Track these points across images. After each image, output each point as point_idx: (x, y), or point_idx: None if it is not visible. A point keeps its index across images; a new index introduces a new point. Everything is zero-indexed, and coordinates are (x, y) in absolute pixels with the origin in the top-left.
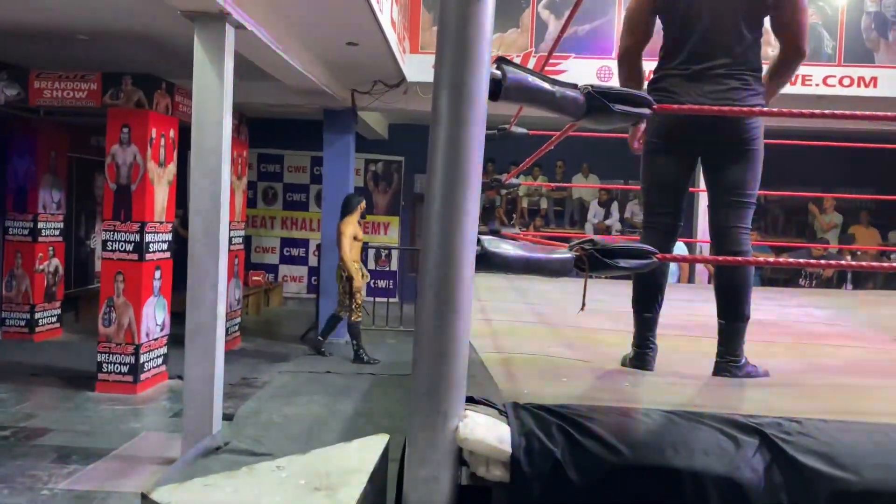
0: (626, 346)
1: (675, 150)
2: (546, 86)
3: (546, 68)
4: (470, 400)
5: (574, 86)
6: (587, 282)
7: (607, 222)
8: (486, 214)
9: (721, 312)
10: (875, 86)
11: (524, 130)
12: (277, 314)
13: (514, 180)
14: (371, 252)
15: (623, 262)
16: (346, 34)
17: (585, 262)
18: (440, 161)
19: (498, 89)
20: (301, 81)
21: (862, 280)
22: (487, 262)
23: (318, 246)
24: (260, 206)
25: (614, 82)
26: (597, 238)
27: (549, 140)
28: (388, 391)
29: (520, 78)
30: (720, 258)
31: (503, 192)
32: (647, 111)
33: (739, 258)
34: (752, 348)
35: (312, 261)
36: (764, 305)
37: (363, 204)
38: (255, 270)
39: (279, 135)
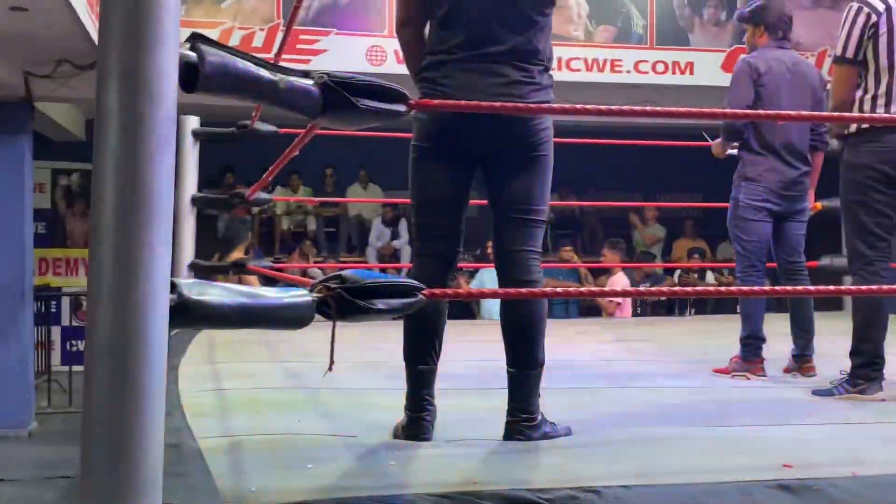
0: (402, 411)
1: (447, 157)
2: (264, 73)
3: (299, 46)
4: None
5: (305, 73)
6: (335, 331)
7: (395, 244)
8: (230, 243)
9: (510, 359)
10: (692, 72)
11: (273, 128)
12: None
13: (262, 195)
14: (66, 301)
15: (381, 304)
16: None
17: (332, 306)
18: (110, 180)
19: (195, 77)
20: None
21: (697, 303)
22: (189, 314)
23: None
24: None
25: (389, 64)
26: (347, 273)
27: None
28: None
29: (225, 62)
30: (512, 290)
31: (255, 210)
32: (401, 107)
33: (536, 289)
34: (554, 400)
35: None
36: (573, 342)
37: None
38: None
39: None
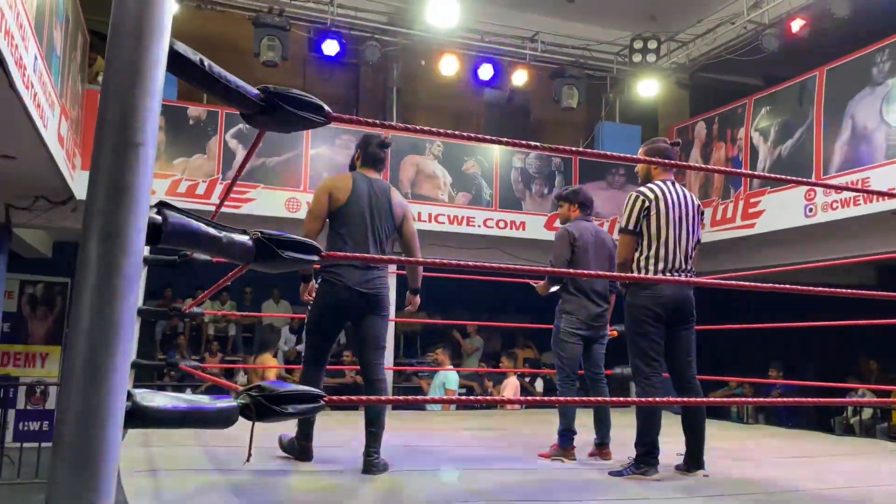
0: (309, 493)
1: (337, 315)
2: (212, 231)
3: (232, 195)
4: None
5: (243, 231)
6: (254, 429)
7: (299, 348)
8: (167, 344)
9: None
10: (524, 229)
11: (208, 256)
12: None
13: (196, 309)
14: (22, 388)
15: (292, 409)
16: (2, 146)
17: (253, 410)
18: (86, 316)
19: (158, 234)
20: None
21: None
22: (141, 417)
23: None
24: None
25: (302, 213)
26: (266, 384)
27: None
28: None
29: (183, 223)
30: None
31: (186, 318)
32: (315, 258)
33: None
34: (409, 481)
35: None
36: (433, 431)
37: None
38: None
39: None
